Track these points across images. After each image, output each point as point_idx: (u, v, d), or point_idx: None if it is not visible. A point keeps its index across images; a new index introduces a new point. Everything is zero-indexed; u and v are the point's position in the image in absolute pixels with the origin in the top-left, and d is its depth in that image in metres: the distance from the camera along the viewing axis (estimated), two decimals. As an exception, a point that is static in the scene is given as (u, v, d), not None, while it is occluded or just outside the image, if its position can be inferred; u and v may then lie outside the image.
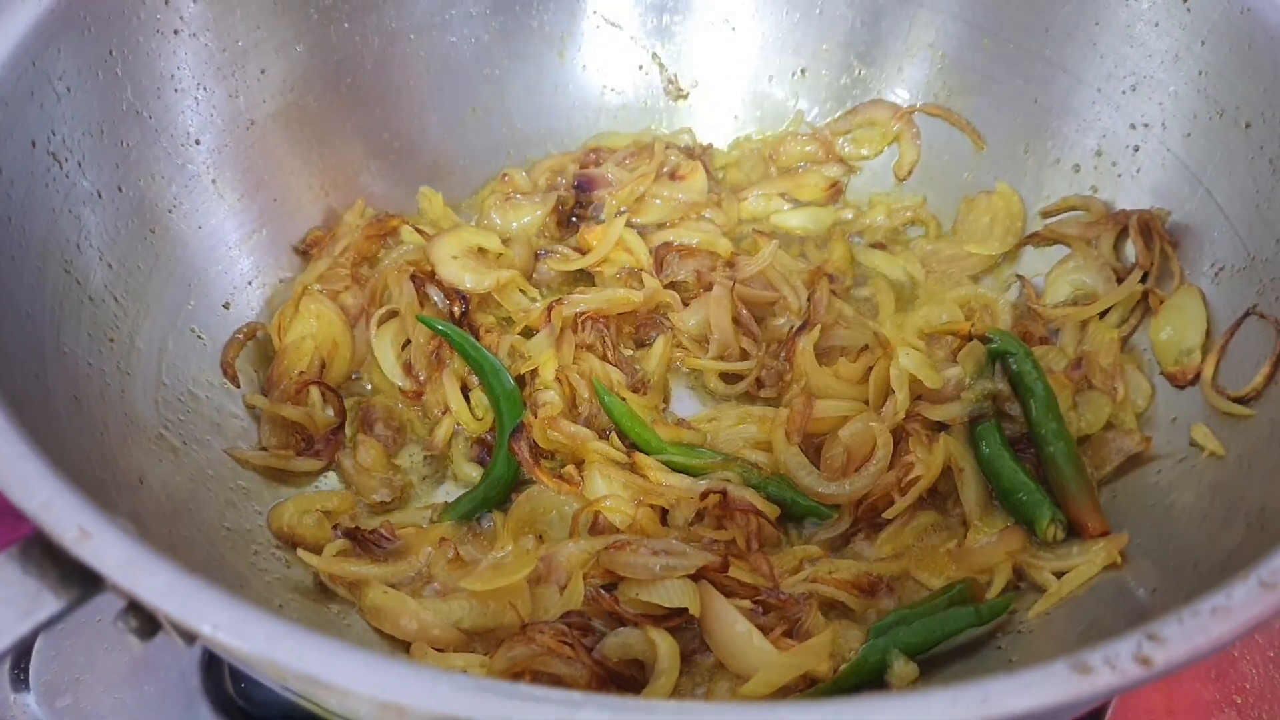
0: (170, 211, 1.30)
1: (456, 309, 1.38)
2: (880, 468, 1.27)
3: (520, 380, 1.35)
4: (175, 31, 1.29)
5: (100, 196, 1.19)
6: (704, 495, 1.23)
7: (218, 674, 1.27)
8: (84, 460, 1.00)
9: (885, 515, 1.26)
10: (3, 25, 1.10)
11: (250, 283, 1.40)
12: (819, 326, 1.40)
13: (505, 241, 1.47)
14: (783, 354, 1.43)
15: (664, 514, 1.25)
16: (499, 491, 1.28)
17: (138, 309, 1.22)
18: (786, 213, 1.63)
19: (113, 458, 1.07)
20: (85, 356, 1.11)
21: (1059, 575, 1.19)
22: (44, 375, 1.03)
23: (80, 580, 0.76)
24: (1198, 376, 1.28)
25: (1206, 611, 0.71)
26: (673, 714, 0.65)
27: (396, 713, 0.69)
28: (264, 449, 1.30)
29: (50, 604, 0.75)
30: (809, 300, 1.45)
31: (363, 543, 1.21)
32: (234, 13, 1.35)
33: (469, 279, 1.39)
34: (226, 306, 1.37)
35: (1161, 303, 1.35)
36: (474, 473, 1.33)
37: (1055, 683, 0.67)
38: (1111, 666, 0.68)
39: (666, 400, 1.42)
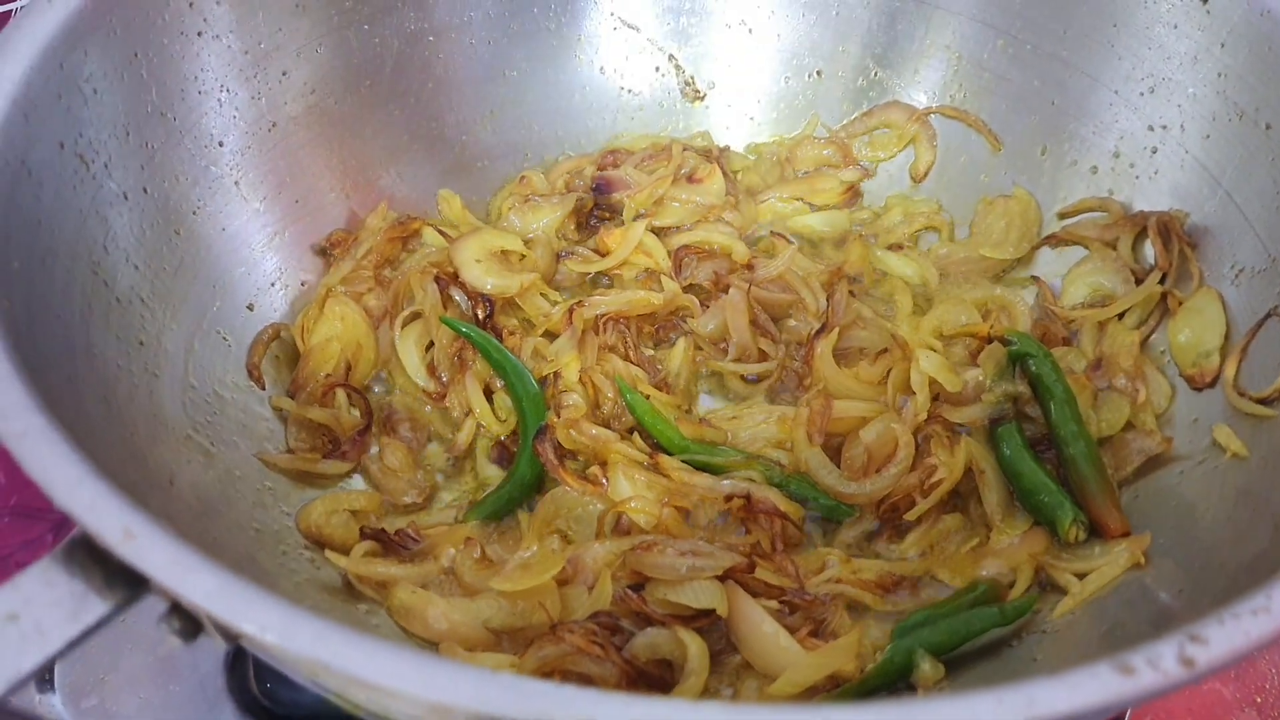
0: (194, 213, 1.30)
1: (481, 312, 1.39)
2: (902, 469, 1.27)
3: (543, 382, 1.36)
4: (199, 34, 1.29)
5: (126, 198, 1.19)
6: (728, 498, 1.23)
7: (243, 674, 1.27)
8: (116, 462, 1.00)
9: (907, 517, 1.26)
10: (30, 28, 1.10)
11: (273, 284, 1.41)
12: (837, 329, 1.40)
13: (527, 243, 1.48)
14: (800, 355, 1.43)
15: (688, 513, 1.26)
16: (524, 492, 1.28)
17: (164, 311, 1.22)
18: (803, 216, 1.63)
19: (143, 459, 1.07)
20: (115, 358, 1.11)
21: (1081, 577, 1.19)
22: (75, 378, 1.03)
23: (125, 582, 0.76)
24: (1216, 379, 1.29)
25: (1247, 613, 0.72)
26: (723, 715, 0.65)
27: (443, 713, 0.70)
28: (291, 451, 1.30)
29: (97, 607, 0.75)
30: (828, 302, 1.45)
31: (388, 544, 1.22)
32: (256, 15, 1.35)
33: (491, 282, 1.40)
34: (250, 308, 1.37)
35: (1180, 304, 1.35)
36: (496, 474, 1.34)
37: (1099, 684, 0.67)
38: (1154, 667, 0.68)
39: (692, 406, 1.42)
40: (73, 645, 0.74)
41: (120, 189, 1.19)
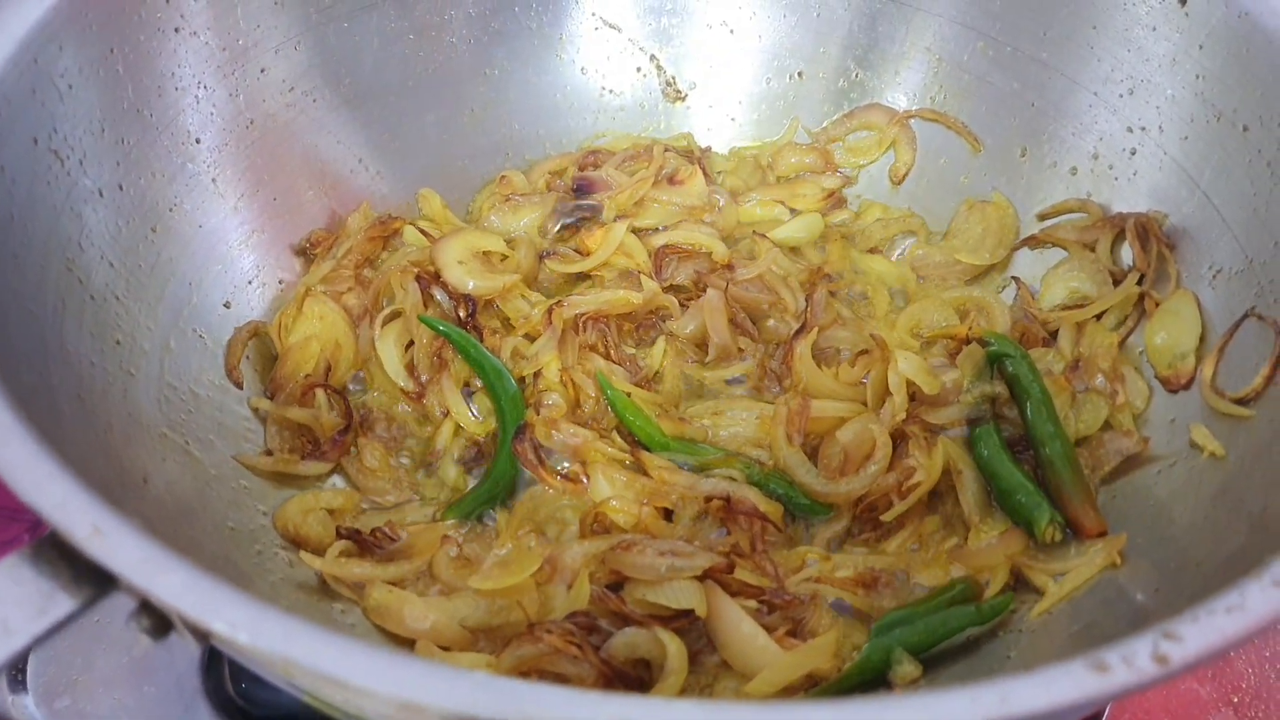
0: (171, 210, 1.29)
1: (463, 311, 1.38)
2: (880, 469, 1.27)
3: (522, 382, 1.35)
4: (176, 30, 1.28)
5: (101, 195, 1.18)
6: (708, 499, 1.23)
7: (218, 674, 1.26)
8: (89, 460, 0.99)
9: (883, 518, 1.26)
10: (5, 22, 1.09)
11: (250, 282, 1.40)
12: (816, 330, 1.40)
13: (509, 243, 1.47)
14: (779, 355, 1.43)
15: (668, 511, 1.26)
16: (502, 490, 1.28)
17: (139, 308, 1.21)
18: (779, 226, 1.62)
19: (116, 458, 1.06)
20: (89, 356, 1.10)
21: (1057, 577, 1.19)
22: (48, 375, 1.02)
23: (93, 580, 0.75)
24: (1191, 381, 1.29)
25: (1221, 610, 0.72)
26: (696, 713, 0.65)
27: (415, 712, 0.69)
28: (269, 452, 1.29)
29: (64, 604, 0.74)
30: (807, 302, 1.45)
31: (364, 543, 1.21)
32: (234, 11, 1.35)
33: (473, 283, 1.39)
34: (227, 306, 1.36)
35: (1157, 306, 1.36)
36: (460, 475, 1.33)
37: (1073, 681, 0.67)
38: (1129, 665, 0.68)
39: (677, 404, 1.42)
40: (39, 641, 0.73)
41: (95, 185, 1.18)
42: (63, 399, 1.02)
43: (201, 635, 0.76)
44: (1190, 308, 1.32)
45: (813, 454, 1.32)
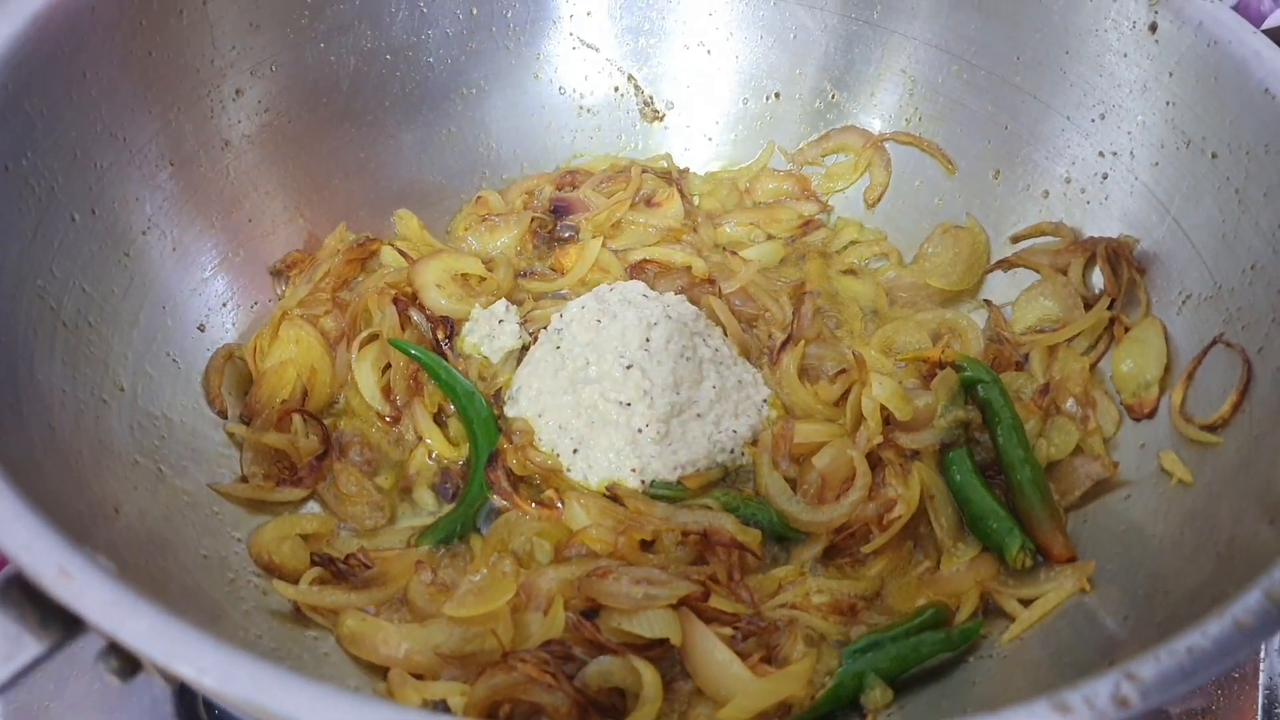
0: (144, 233, 1.29)
1: (441, 334, 1.38)
2: (860, 498, 1.27)
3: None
4: (149, 53, 1.27)
5: (74, 220, 1.18)
6: (685, 534, 1.23)
7: (191, 701, 1.26)
8: (59, 491, 0.99)
9: (864, 549, 1.26)
10: (-26, 49, 1.09)
11: (225, 304, 1.39)
12: (803, 342, 1.41)
13: (487, 264, 1.47)
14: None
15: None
16: (476, 515, 1.28)
17: (113, 333, 1.21)
18: (747, 246, 1.63)
19: (88, 487, 1.05)
20: (60, 384, 1.10)
21: (1027, 603, 1.20)
22: (18, 405, 1.01)
23: (61, 622, 0.75)
24: (1154, 410, 1.30)
25: (1183, 650, 0.73)
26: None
27: (384, 755, 0.69)
28: (244, 479, 1.28)
29: (31, 647, 0.74)
30: (794, 314, 1.46)
31: (338, 571, 1.21)
32: (209, 33, 1.34)
33: (447, 305, 1.40)
34: (201, 329, 1.36)
35: (1126, 331, 1.37)
36: (431, 500, 1.33)
37: (1036, 722, 0.68)
38: (1090, 706, 0.69)
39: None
40: (5, 688, 0.72)
41: (68, 211, 1.17)
42: (34, 429, 1.02)
43: (171, 677, 0.75)
44: (1157, 336, 1.33)
45: (789, 478, 1.32)
